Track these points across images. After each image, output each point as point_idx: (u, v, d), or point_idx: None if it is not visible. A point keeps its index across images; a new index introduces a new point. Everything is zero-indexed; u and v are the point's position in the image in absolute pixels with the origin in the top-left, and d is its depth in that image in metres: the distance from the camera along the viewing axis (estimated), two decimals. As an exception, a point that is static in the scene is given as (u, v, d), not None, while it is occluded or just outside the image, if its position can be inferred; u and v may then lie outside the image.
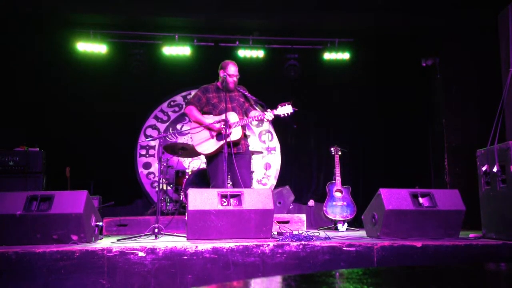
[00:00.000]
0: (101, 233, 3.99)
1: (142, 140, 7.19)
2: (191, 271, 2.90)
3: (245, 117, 4.27)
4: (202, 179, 5.59)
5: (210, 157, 4.26)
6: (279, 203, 6.13)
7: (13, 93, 6.63)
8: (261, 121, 4.16)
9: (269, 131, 7.53)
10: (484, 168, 3.67)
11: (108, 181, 6.67)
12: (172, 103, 7.45)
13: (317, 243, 3.10)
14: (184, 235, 3.63)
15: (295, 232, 3.58)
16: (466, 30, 5.99)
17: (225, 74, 4.24)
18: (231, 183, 4.44)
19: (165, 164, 6.26)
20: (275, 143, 7.52)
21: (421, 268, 2.31)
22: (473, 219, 4.11)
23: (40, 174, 5.70)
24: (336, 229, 5.24)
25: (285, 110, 4.01)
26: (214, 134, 4.20)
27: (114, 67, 7.06)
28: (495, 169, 3.49)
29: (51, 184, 5.92)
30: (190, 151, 5.79)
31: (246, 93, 4.33)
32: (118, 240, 3.43)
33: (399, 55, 6.95)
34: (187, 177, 5.98)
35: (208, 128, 4.19)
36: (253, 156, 6.00)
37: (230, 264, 2.95)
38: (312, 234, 3.53)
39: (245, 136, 4.33)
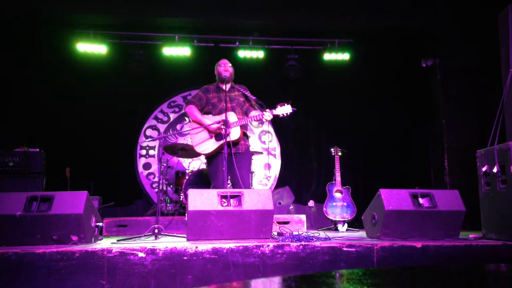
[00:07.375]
0: (101, 233, 3.99)
1: (142, 140, 7.19)
2: (191, 271, 2.90)
3: (245, 117, 4.26)
4: (202, 180, 5.59)
5: (210, 158, 4.26)
6: (279, 203, 6.13)
7: (13, 93, 6.64)
8: (260, 121, 4.14)
9: (269, 132, 7.53)
10: (484, 169, 3.66)
11: (108, 182, 6.69)
12: (172, 104, 7.45)
13: (317, 243, 3.10)
14: (184, 235, 3.62)
15: (295, 233, 3.57)
16: (466, 30, 5.99)
17: (217, 67, 4.41)
18: (231, 183, 4.44)
19: (165, 164, 6.26)
20: (275, 144, 7.52)
21: (421, 268, 2.31)
22: (473, 219, 4.11)
23: (40, 175, 5.70)
24: (336, 229, 5.24)
25: (284, 110, 4.00)
26: (213, 134, 4.20)
27: (114, 67, 7.07)
28: (495, 170, 3.49)
29: (51, 185, 5.92)
30: (190, 152, 5.78)
31: (246, 93, 4.32)
32: (118, 240, 3.43)
33: (399, 56, 6.96)
34: (187, 177, 5.98)
35: (207, 128, 4.19)
36: (253, 157, 5.99)
37: (230, 264, 2.94)
38: (312, 234, 3.52)
39: (245, 136, 4.33)
